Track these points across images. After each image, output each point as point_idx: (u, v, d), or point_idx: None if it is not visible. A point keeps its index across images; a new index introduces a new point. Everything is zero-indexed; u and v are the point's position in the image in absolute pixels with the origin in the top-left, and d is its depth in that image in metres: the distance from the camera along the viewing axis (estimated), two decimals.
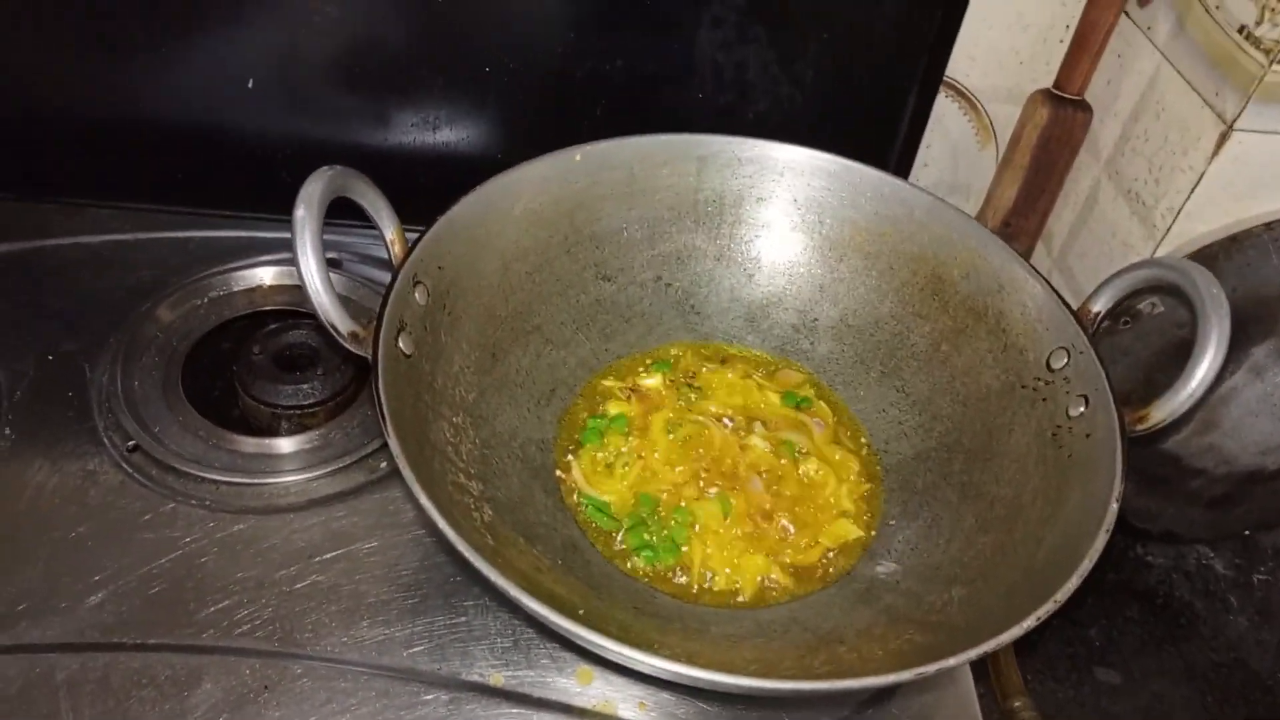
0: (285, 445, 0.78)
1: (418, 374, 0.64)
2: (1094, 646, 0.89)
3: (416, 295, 0.65)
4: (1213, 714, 0.85)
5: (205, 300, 0.87)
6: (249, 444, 0.78)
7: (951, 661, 0.49)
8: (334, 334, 0.59)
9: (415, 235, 0.67)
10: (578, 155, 0.76)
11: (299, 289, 0.88)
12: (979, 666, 0.82)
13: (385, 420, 0.56)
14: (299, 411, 0.81)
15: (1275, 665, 0.88)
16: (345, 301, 0.63)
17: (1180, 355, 0.62)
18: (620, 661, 0.50)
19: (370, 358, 0.59)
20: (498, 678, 0.65)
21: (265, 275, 0.89)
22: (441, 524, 0.51)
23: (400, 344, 0.62)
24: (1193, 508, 0.93)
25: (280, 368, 0.82)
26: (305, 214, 0.57)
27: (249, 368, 0.82)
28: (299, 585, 0.69)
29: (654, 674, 0.50)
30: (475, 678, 0.65)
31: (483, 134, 0.92)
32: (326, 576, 0.70)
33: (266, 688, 0.64)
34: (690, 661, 0.47)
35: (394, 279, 0.63)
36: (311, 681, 0.64)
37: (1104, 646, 0.89)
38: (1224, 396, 0.83)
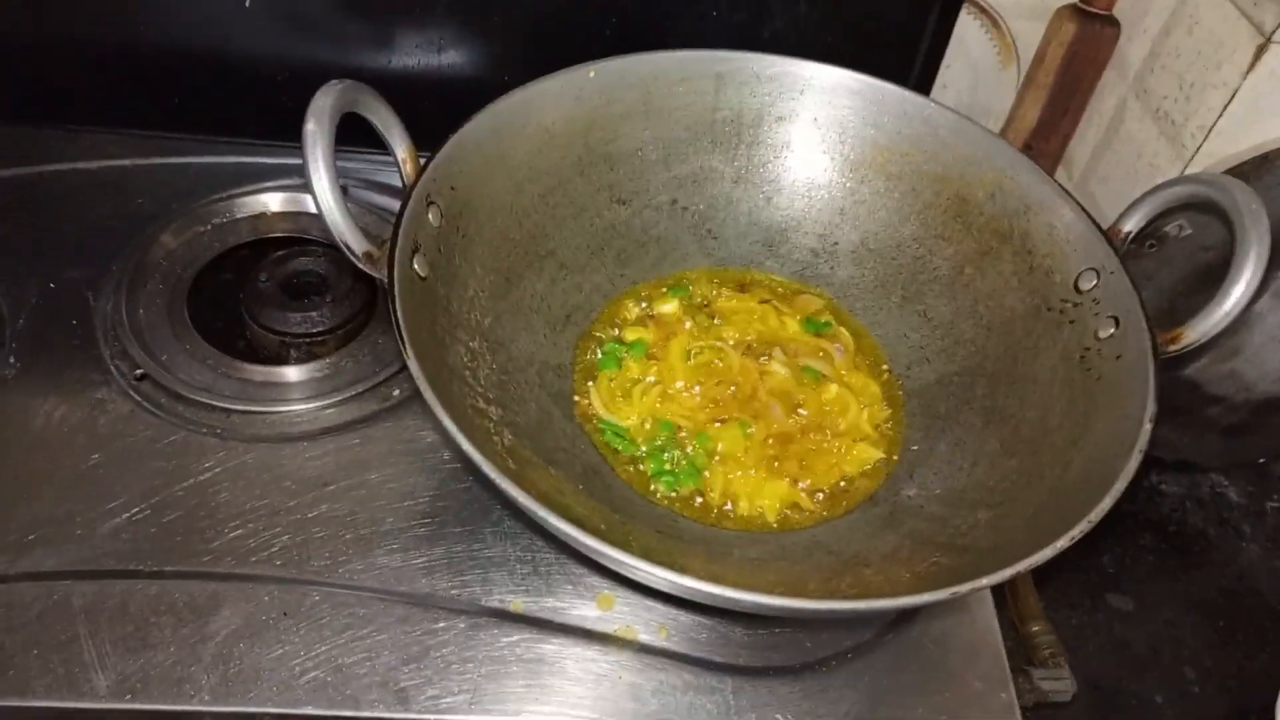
0: (295, 373, 0.77)
1: (433, 297, 0.62)
2: (1107, 574, 0.89)
3: (430, 216, 0.63)
4: (1223, 640, 0.86)
5: (209, 227, 0.85)
6: (258, 372, 0.76)
7: (983, 582, 0.48)
8: (348, 253, 0.58)
9: (426, 157, 0.65)
10: (591, 72, 0.73)
11: (305, 215, 0.87)
12: (997, 592, 0.82)
13: (404, 342, 0.54)
14: (308, 340, 0.79)
15: None
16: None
17: (1206, 281, 0.61)
18: (647, 581, 0.49)
19: (385, 279, 0.57)
20: (518, 604, 0.65)
21: (270, 201, 0.87)
22: (465, 445, 0.50)
23: (415, 265, 0.60)
24: (1209, 436, 0.92)
25: (288, 295, 0.80)
26: (316, 128, 0.55)
27: (256, 295, 0.80)
28: (314, 513, 0.68)
29: (680, 594, 0.49)
30: (495, 603, 0.65)
31: (489, 55, 0.89)
32: (341, 504, 0.69)
33: (285, 613, 0.63)
34: (716, 582, 0.46)
35: (406, 198, 0.61)
36: (330, 608, 0.63)
37: (1117, 574, 0.89)
38: (1247, 322, 0.82)
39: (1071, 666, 0.83)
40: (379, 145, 0.65)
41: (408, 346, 0.54)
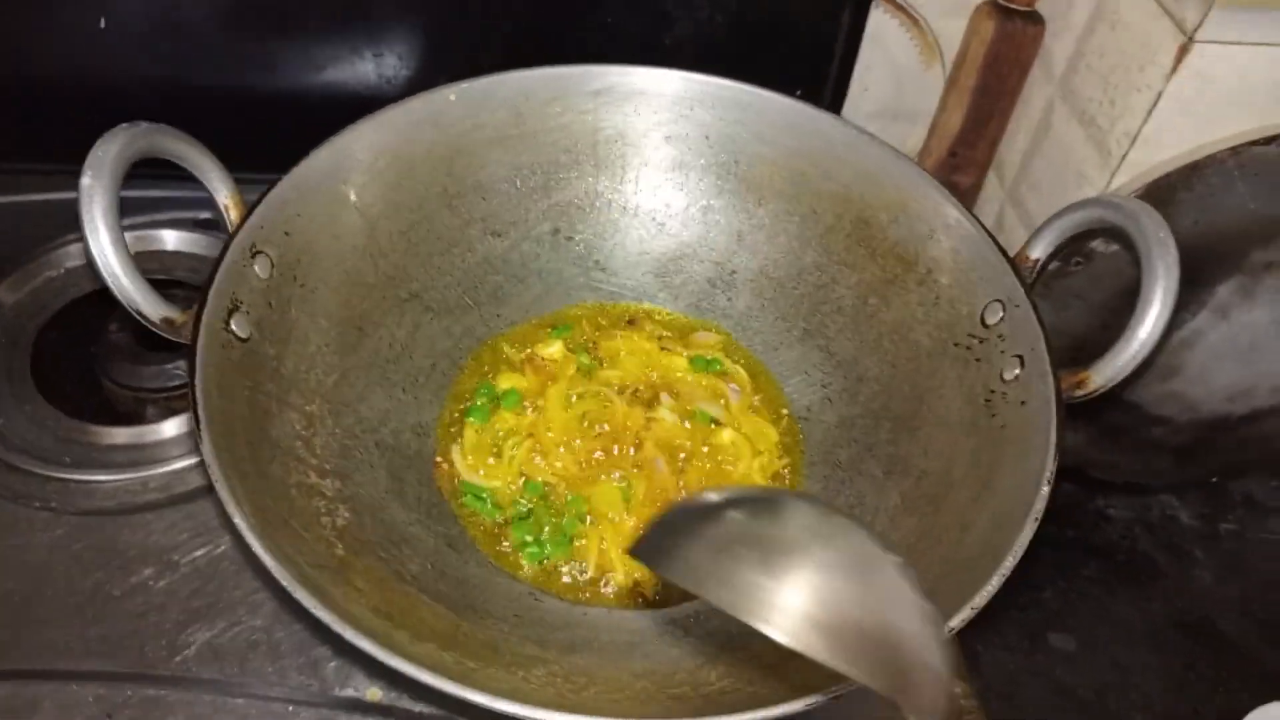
0: (149, 433, 0.70)
1: (257, 360, 0.55)
2: (1048, 610, 0.83)
3: (256, 268, 0.57)
4: (1177, 680, 0.80)
5: (61, 272, 0.78)
6: (106, 434, 0.70)
7: (853, 683, 0.42)
8: (143, 320, 0.51)
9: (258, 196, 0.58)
10: (452, 95, 0.66)
11: (168, 255, 0.81)
12: None
13: (199, 424, 0.48)
14: (165, 394, 0.73)
15: (1244, 625, 0.82)
16: None
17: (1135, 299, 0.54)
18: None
19: (189, 345, 0.51)
20: (374, 692, 0.59)
21: (129, 241, 0.80)
22: (255, 545, 0.44)
23: (233, 326, 0.54)
24: (1156, 457, 0.86)
25: (144, 346, 0.74)
26: (93, 182, 0.49)
27: (108, 348, 0.74)
28: (152, 594, 0.62)
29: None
30: (349, 693, 0.59)
31: (360, 72, 0.82)
32: (185, 583, 0.63)
33: (109, 715, 0.57)
34: (514, 697, 0.40)
35: (223, 252, 0.55)
36: (162, 709, 0.57)
37: (1060, 610, 0.83)
38: (1186, 340, 0.76)
39: (1010, 715, 0.77)
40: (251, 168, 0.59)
41: (203, 429, 0.47)
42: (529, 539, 0.59)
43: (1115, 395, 0.81)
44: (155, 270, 0.79)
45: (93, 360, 0.74)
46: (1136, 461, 0.87)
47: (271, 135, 0.63)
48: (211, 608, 0.62)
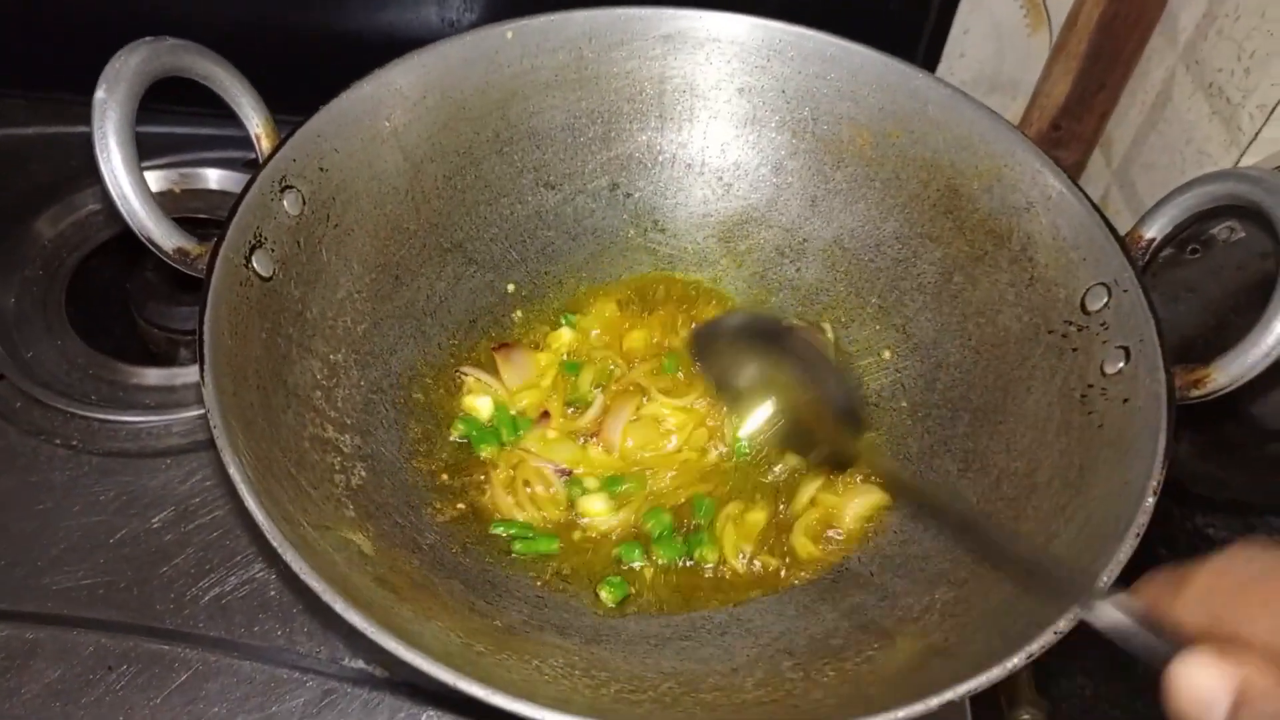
0: (178, 376, 0.67)
1: (280, 301, 0.51)
2: None
3: (286, 203, 0.53)
4: None
5: (102, 206, 0.76)
6: (135, 374, 0.67)
7: (899, 715, 0.36)
8: (154, 250, 0.47)
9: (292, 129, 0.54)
10: (509, 31, 0.61)
11: (215, 194, 0.77)
12: None
13: (204, 362, 0.44)
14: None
15: None
16: None
17: (1265, 295, 0.47)
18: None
19: (204, 278, 0.47)
20: (385, 667, 0.55)
21: (174, 178, 0.77)
22: (247, 496, 0.40)
23: (254, 264, 0.50)
24: (1271, 476, 0.77)
25: (179, 287, 0.71)
26: (107, 96, 0.45)
27: (143, 287, 0.71)
28: (165, 544, 0.59)
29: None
30: (358, 664, 0.55)
31: (423, 13, 0.78)
32: (202, 534, 0.59)
33: (110, 667, 0.54)
34: (522, 689, 0.35)
35: (250, 183, 0.51)
36: (162, 662, 0.54)
37: None
38: None
39: None
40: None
41: (207, 371, 0.43)
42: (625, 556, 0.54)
43: (1231, 403, 0.73)
44: (199, 209, 0.76)
45: (128, 298, 0.71)
46: (1246, 480, 0.78)
47: (322, 76, 0.59)
48: (226, 563, 0.58)
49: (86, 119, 0.79)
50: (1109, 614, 0.31)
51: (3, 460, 0.61)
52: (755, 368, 0.55)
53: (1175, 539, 0.81)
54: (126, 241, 0.74)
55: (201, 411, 0.64)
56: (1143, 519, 0.42)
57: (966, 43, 0.81)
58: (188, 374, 0.67)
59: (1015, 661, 0.38)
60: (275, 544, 0.39)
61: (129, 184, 0.46)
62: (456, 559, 0.50)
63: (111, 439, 0.63)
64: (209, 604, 0.57)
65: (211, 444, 0.61)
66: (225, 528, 0.60)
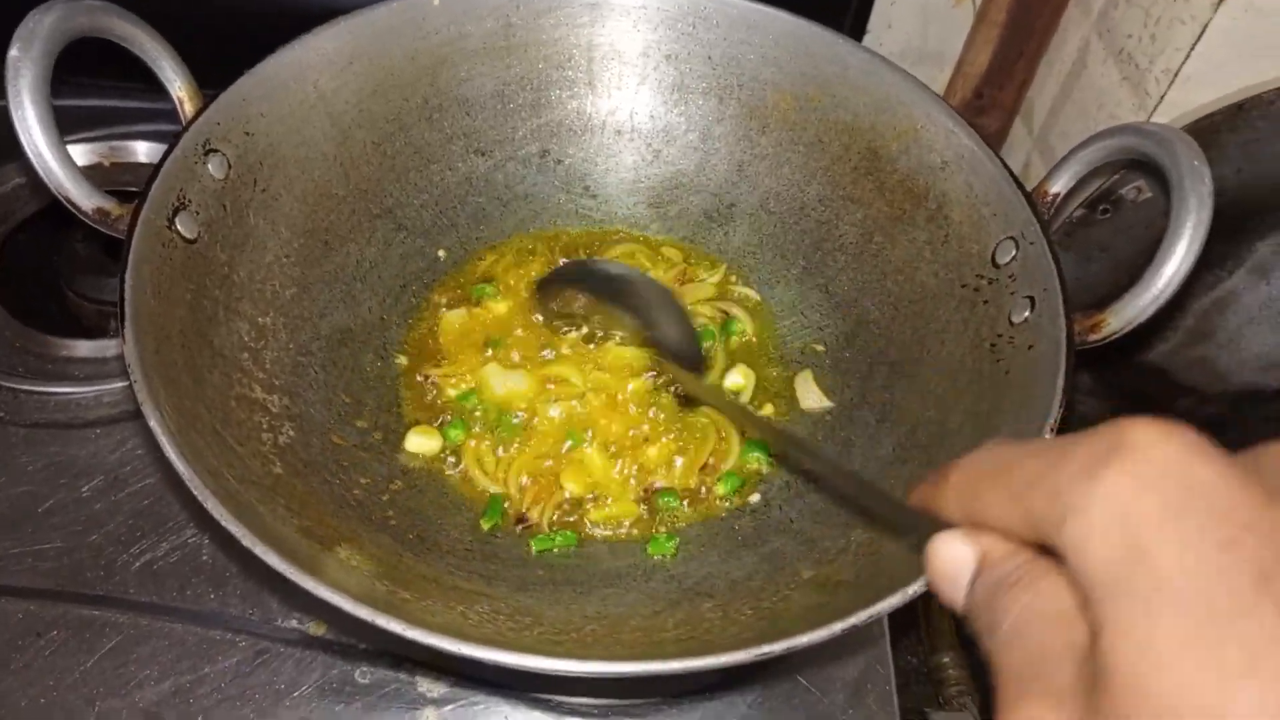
0: (107, 348, 0.67)
1: (205, 264, 0.52)
2: None
3: (210, 166, 0.53)
4: None
5: (26, 180, 0.75)
6: (63, 346, 0.67)
7: (803, 640, 0.38)
8: (71, 209, 0.47)
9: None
10: None
11: (144, 167, 0.77)
12: (907, 615, 0.71)
13: (124, 319, 0.44)
14: None
15: None
16: None
17: None
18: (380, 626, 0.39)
19: (125, 239, 0.47)
20: (319, 625, 0.56)
21: (102, 152, 0.76)
22: (166, 446, 0.40)
23: (178, 225, 0.50)
24: None
25: (111, 258, 0.71)
26: (21, 55, 0.45)
27: (72, 258, 0.70)
28: (98, 511, 0.58)
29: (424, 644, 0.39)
30: (292, 624, 0.55)
31: None
32: (132, 502, 0.59)
33: (38, 634, 0.54)
34: (444, 631, 0.36)
35: (172, 145, 0.51)
36: (92, 628, 0.54)
37: None
38: (1220, 301, 0.70)
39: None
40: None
41: (127, 326, 0.44)
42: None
43: (1140, 361, 0.75)
44: (129, 181, 0.75)
45: (57, 271, 0.71)
46: None
47: (249, 45, 0.59)
48: (157, 529, 0.58)
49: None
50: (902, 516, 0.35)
51: None
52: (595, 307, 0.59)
53: None
54: (54, 214, 0.74)
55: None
56: None
57: (893, 14, 0.83)
58: (117, 345, 0.66)
59: (914, 588, 0.39)
60: (194, 490, 0.39)
61: (45, 144, 0.46)
62: (384, 514, 0.51)
63: (39, 410, 0.63)
64: (140, 570, 0.57)
65: (141, 413, 0.62)
66: (156, 495, 0.60)
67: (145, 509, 0.59)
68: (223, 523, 0.38)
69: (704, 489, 0.56)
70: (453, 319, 0.62)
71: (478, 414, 0.58)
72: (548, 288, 0.61)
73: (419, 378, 0.59)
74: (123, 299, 0.45)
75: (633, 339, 0.60)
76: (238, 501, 0.41)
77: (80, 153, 0.75)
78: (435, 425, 0.57)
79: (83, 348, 0.67)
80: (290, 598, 0.56)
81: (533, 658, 0.37)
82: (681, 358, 0.55)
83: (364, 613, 0.37)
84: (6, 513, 0.58)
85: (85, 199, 0.47)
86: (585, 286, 0.59)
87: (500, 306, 0.63)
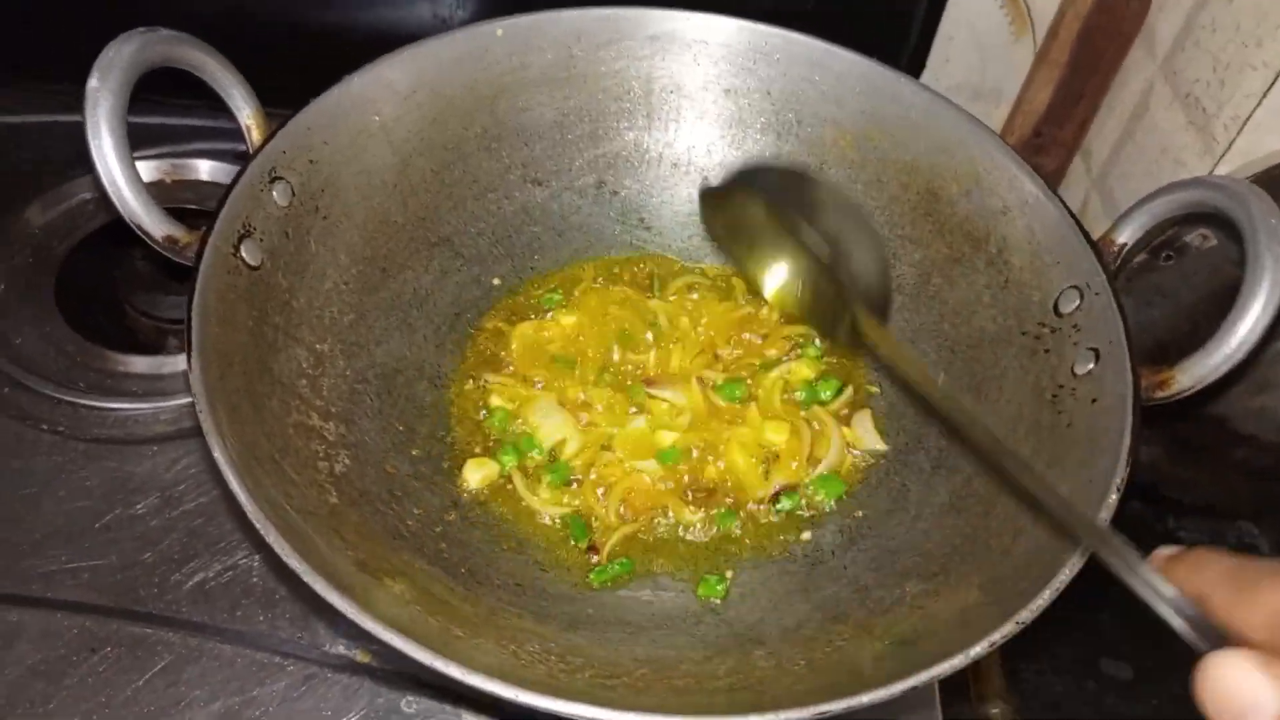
0: (165, 364, 0.68)
1: (267, 290, 0.52)
2: (1104, 635, 0.76)
3: (275, 194, 0.54)
4: None
5: (94, 196, 0.76)
6: (123, 361, 0.68)
7: (864, 699, 0.37)
8: (144, 237, 0.48)
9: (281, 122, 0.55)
10: (499, 29, 0.62)
11: (206, 185, 0.78)
12: None
13: (191, 347, 0.45)
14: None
15: None
16: None
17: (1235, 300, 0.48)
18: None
19: (193, 266, 0.48)
20: (365, 653, 0.56)
21: (165, 169, 0.78)
22: (230, 478, 0.41)
23: (243, 253, 0.51)
24: (1236, 478, 0.79)
25: (170, 276, 0.72)
26: (100, 85, 0.46)
27: (133, 275, 0.72)
28: (151, 529, 0.59)
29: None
30: (339, 649, 0.56)
31: (416, 10, 0.78)
32: (187, 520, 0.60)
33: (92, 649, 0.55)
34: (496, 672, 0.36)
35: (240, 173, 0.52)
36: (145, 645, 0.55)
37: (1116, 637, 0.76)
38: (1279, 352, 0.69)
39: None
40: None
41: (194, 356, 0.44)
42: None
43: (1198, 407, 0.74)
44: (189, 199, 0.76)
45: (117, 287, 0.72)
46: (1215, 482, 0.79)
47: (314, 71, 0.60)
48: (210, 549, 0.59)
49: (78, 108, 0.79)
50: (1156, 586, 0.31)
51: None
52: (771, 228, 0.53)
53: (1148, 541, 0.82)
54: (116, 231, 0.75)
55: (188, 400, 0.65)
56: (1106, 514, 0.43)
57: (951, 49, 0.83)
58: (175, 362, 0.68)
59: (977, 650, 0.39)
60: (258, 525, 0.39)
61: (120, 172, 0.46)
62: (438, 546, 0.51)
63: (98, 425, 0.64)
64: (192, 589, 0.57)
65: (197, 431, 0.62)
66: (210, 514, 0.60)
67: (198, 528, 0.60)
68: (283, 557, 0.39)
69: (763, 506, 0.56)
70: (524, 329, 0.63)
71: (526, 443, 0.58)
72: (716, 195, 0.55)
73: (470, 384, 0.60)
74: (189, 326, 0.45)
75: (803, 274, 0.54)
76: (296, 533, 0.41)
77: (144, 169, 0.75)
78: (487, 452, 0.58)
79: (140, 364, 0.68)
80: (340, 625, 0.56)
81: (588, 707, 0.37)
82: (869, 297, 0.49)
83: (422, 655, 0.37)
84: (64, 526, 0.59)
85: (156, 227, 0.48)
86: (761, 191, 0.53)
87: (568, 319, 0.63)
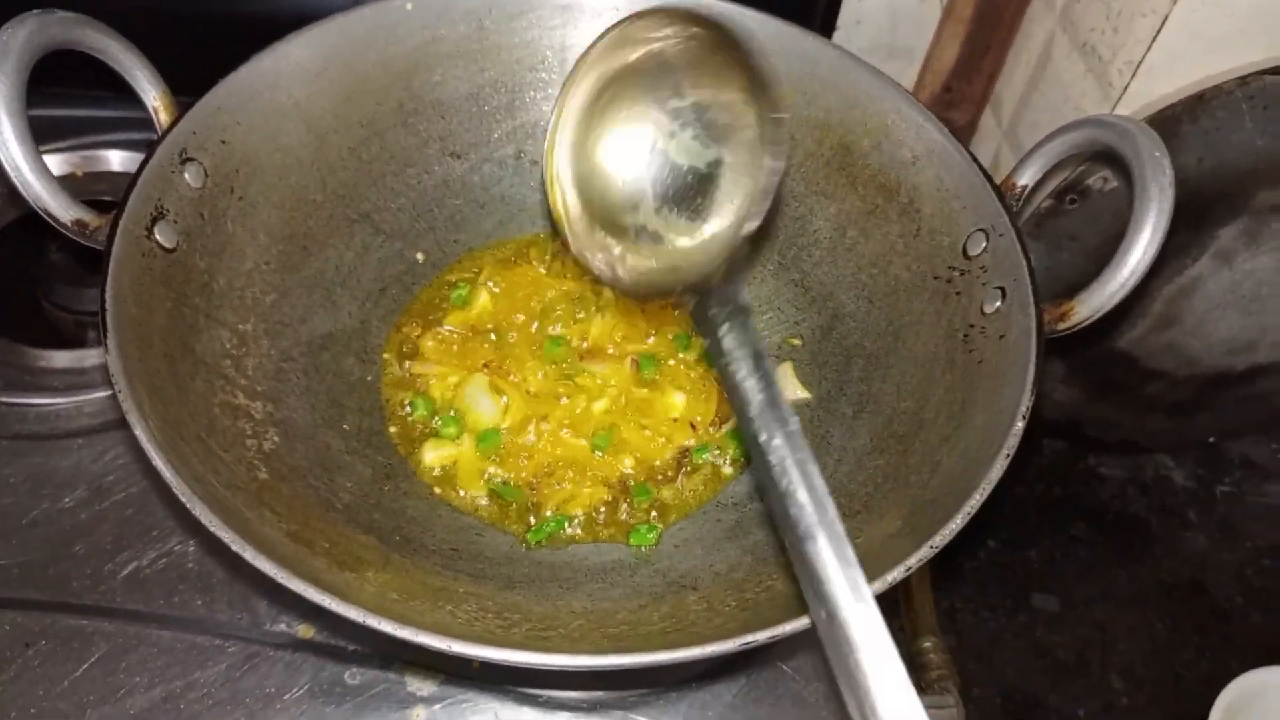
0: (86, 358, 0.67)
1: (184, 272, 0.52)
2: (1033, 570, 0.79)
3: (188, 175, 0.53)
4: (1160, 644, 0.76)
5: (3, 191, 0.74)
6: (41, 357, 0.67)
7: (785, 629, 0.39)
8: (50, 221, 0.48)
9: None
10: (409, 3, 0.62)
11: (119, 176, 0.77)
12: (889, 600, 0.72)
13: (106, 330, 0.44)
14: None
15: (1235, 589, 0.79)
16: None
17: None
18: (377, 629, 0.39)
19: (104, 250, 0.47)
20: (307, 628, 0.56)
21: (75, 161, 0.76)
22: (152, 454, 0.41)
23: (157, 235, 0.50)
24: (1152, 414, 0.82)
25: (86, 269, 0.71)
26: None
27: (49, 268, 0.70)
28: (82, 521, 0.59)
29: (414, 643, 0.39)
30: (280, 628, 0.56)
31: None
32: (117, 511, 0.60)
33: (26, 644, 0.54)
34: (433, 630, 0.37)
35: (148, 156, 0.51)
36: (81, 637, 0.54)
37: (1044, 570, 0.79)
38: (1185, 288, 0.72)
39: (983, 677, 0.74)
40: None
41: (110, 335, 0.44)
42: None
43: (1111, 347, 0.77)
44: (103, 190, 0.75)
45: (33, 283, 0.71)
46: (1131, 419, 0.83)
47: (223, 54, 0.59)
48: (141, 538, 0.59)
49: None
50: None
51: None
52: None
53: (1071, 480, 0.86)
54: (30, 225, 0.74)
55: (112, 392, 0.64)
56: (1013, 442, 0.45)
57: (862, 10, 0.84)
58: (96, 355, 0.67)
59: (894, 575, 0.40)
60: (184, 499, 0.40)
61: (23, 158, 0.46)
62: (370, 517, 0.51)
63: (19, 422, 0.63)
64: (126, 579, 0.57)
65: (123, 423, 0.62)
66: (140, 504, 0.60)
67: (129, 518, 0.59)
68: (210, 527, 0.39)
69: (680, 472, 0.57)
70: (436, 331, 0.63)
71: (461, 418, 0.58)
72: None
73: (403, 373, 0.60)
74: (104, 309, 0.45)
75: None
76: (224, 507, 0.42)
77: (53, 163, 0.74)
78: (427, 428, 0.58)
79: (61, 358, 0.67)
80: (279, 601, 0.56)
81: (520, 653, 0.38)
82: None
83: (353, 613, 0.37)
84: None
85: (63, 211, 0.47)
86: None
87: (480, 297, 0.63)
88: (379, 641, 0.54)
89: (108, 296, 0.45)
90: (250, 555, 0.38)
